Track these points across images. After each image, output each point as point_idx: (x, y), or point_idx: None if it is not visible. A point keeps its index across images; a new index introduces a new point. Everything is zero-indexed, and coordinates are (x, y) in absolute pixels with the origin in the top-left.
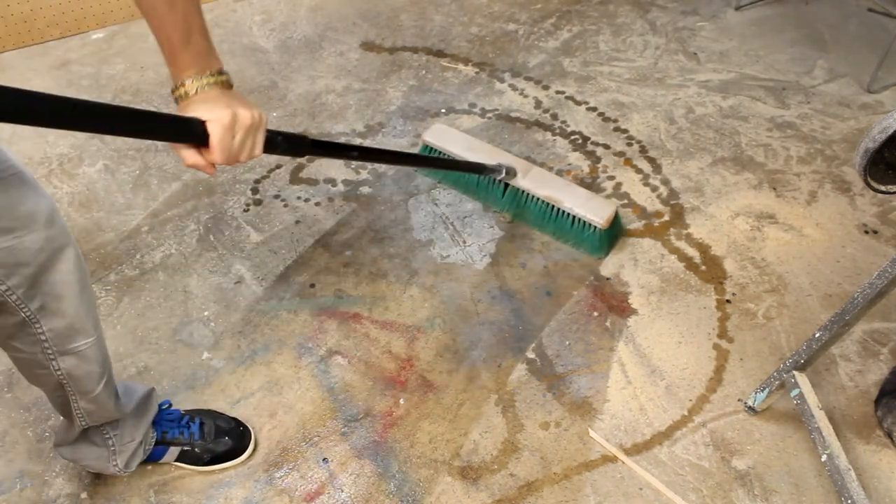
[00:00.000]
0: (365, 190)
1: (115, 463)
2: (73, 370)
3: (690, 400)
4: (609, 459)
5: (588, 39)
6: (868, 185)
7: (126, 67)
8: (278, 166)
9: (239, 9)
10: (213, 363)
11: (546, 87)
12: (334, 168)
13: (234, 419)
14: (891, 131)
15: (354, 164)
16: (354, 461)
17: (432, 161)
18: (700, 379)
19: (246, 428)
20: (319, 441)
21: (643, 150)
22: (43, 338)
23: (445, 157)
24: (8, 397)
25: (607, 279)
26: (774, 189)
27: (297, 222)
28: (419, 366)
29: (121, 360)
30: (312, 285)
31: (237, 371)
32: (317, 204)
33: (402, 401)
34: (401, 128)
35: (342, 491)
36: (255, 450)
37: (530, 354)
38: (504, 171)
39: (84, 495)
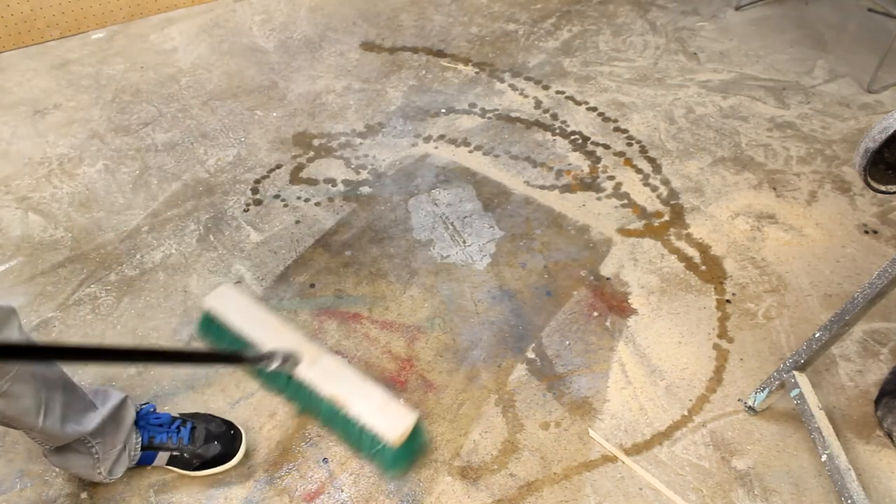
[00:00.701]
0: (365, 190)
1: (99, 471)
2: (7, 410)
3: (690, 400)
4: (609, 459)
5: (588, 39)
6: (868, 185)
7: (126, 67)
8: (278, 166)
9: (239, 9)
10: None
11: (546, 87)
12: (334, 168)
13: (227, 422)
14: (891, 131)
15: (354, 163)
16: (354, 461)
17: (167, 357)
18: (700, 379)
19: (238, 431)
20: (319, 441)
21: (643, 150)
22: None
23: (222, 330)
24: None
25: (607, 279)
26: (774, 189)
27: (297, 222)
28: (419, 366)
29: None
30: (312, 285)
31: (237, 371)
32: (317, 204)
33: (402, 401)
34: (401, 128)
35: (342, 491)
36: (246, 452)
37: (530, 354)
38: (279, 359)
39: (84, 495)
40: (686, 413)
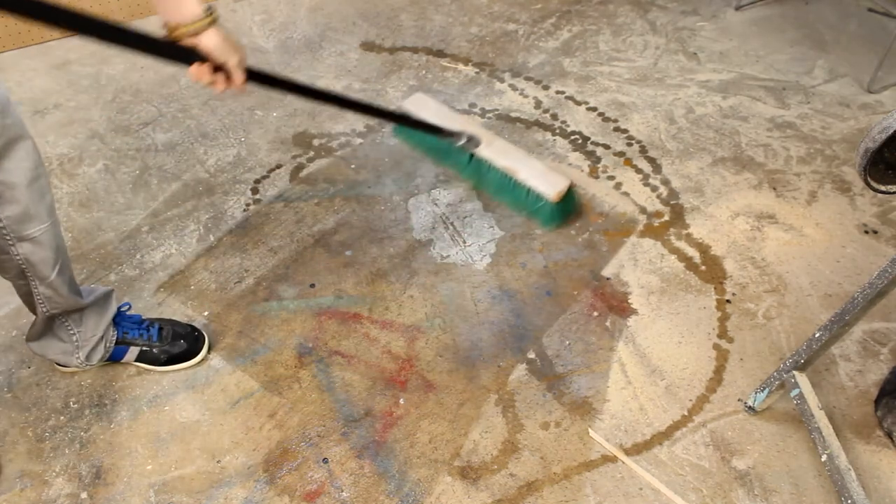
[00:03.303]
0: (365, 190)
1: (77, 356)
2: (31, 256)
3: (690, 400)
4: (609, 459)
5: (588, 39)
6: (868, 185)
7: (126, 67)
8: (278, 166)
9: (239, 9)
10: (213, 363)
11: (546, 87)
12: (335, 168)
13: (191, 325)
14: (891, 131)
15: (355, 164)
16: (354, 461)
17: (395, 117)
18: (700, 379)
19: (201, 333)
20: (319, 441)
21: (643, 150)
22: (1, 224)
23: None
24: (8, 397)
25: (607, 279)
26: (774, 189)
27: (297, 222)
28: (419, 366)
29: None
30: (312, 285)
31: (237, 371)
32: (317, 204)
33: (402, 401)
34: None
35: (342, 491)
36: (209, 352)
37: (530, 354)
38: (466, 138)
39: (84, 495)
40: (686, 413)
